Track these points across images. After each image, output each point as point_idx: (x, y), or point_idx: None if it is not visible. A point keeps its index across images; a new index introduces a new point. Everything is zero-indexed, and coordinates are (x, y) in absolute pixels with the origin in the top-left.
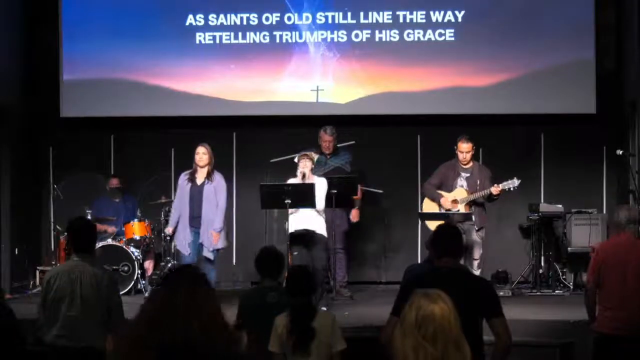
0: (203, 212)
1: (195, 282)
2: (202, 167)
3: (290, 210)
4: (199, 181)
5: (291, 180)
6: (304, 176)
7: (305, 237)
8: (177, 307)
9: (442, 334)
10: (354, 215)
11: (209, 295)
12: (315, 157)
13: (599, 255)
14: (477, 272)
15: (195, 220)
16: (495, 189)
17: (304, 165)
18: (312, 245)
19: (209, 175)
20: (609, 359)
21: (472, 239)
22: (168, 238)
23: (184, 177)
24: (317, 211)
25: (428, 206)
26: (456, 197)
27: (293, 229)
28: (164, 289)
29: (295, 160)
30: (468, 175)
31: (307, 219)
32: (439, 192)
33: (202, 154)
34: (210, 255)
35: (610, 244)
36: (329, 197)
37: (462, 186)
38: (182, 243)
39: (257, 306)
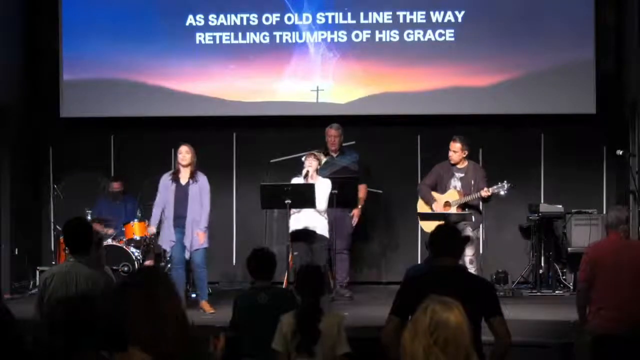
0: (188, 212)
1: (149, 283)
2: (184, 166)
3: (292, 210)
4: (183, 181)
5: (295, 180)
6: (307, 174)
7: (305, 237)
8: (128, 308)
9: (453, 343)
10: (354, 215)
11: (163, 294)
12: (323, 158)
13: (589, 256)
14: (470, 268)
15: (179, 220)
16: (485, 193)
17: (309, 164)
18: (312, 245)
19: (192, 176)
20: (606, 359)
21: (467, 235)
22: (152, 237)
23: (167, 178)
24: (319, 211)
25: (422, 208)
26: (448, 200)
27: (294, 229)
28: (117, 292)
29: (303, 159)
30: (462, 175)
31: (308, 219)
32: (433, 193)
33: (184, 153)
34: (189, 256)
35: (601, 244)
36: (330, 198)
37: (455, 187)
38: (167, 242)
39: (249, 307)
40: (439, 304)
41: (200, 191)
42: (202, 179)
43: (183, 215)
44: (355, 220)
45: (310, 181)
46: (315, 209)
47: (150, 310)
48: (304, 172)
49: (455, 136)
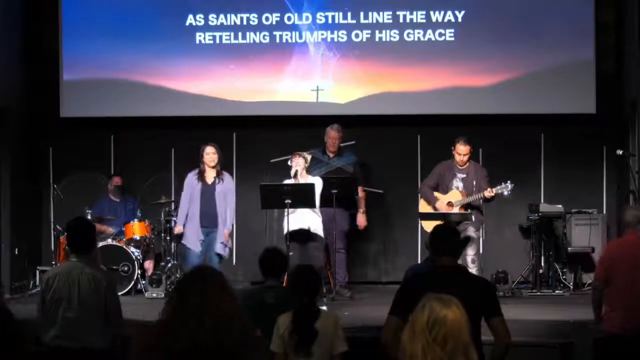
0: (218, 211)
1: (208, 282)
2: (212, 167)
3: (286, 211)
4: (209, 180)
5: (287, 181)
6: (296, 174)
7: (301, 236)
8: (187, 309)
9: (452, 339)
10: (360, 220)
11: (225, 294)
12: (309, 157)
13: (607, 253)
14: (471, 268)
15: (206, 219)
16: (488, 193)
17: (297, 164)
18: (308, 245)
19: (218, 175)
20: (614, 359)
21: (468, 235)
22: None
23: (193, 177)
24: (313, 210)
25: (424, 208)
26: (451, 200)
27: (288, 229)
28: (175, 291)
29: (289, 162)
30: (464, 176)
31: (302, 218)
32: (435, 194)
33: (212, 154)
34: (223, 251)
35: (619, 243)
36: (329, 197)
37: (457, 187)
38: (194, 241)
39: (255, 306)
40: (436, 301)
41: (226, 191)
42: (228, 178)
43: (209, 214)
44: (362, 225)
45: (300, 180)
46: (310, 208)
47: (204, 308)
48: (292, 172)
49: (462, 139)
